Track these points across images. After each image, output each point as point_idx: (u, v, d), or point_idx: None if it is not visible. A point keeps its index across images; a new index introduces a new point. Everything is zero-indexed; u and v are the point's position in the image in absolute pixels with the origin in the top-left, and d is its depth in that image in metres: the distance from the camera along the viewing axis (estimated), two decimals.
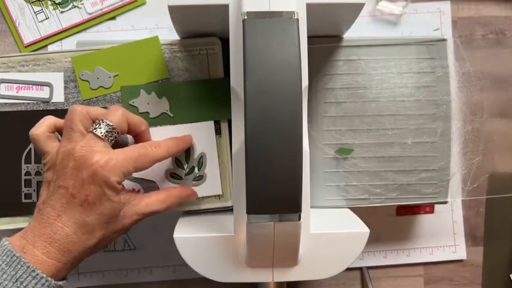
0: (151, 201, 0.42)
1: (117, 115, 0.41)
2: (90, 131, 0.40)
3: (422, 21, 0.55)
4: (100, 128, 0.40)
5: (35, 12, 0.53)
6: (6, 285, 0.36)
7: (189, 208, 0.47)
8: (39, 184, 0.46)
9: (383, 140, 0.48)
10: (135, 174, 0.46)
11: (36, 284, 0.36)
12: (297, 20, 0.36)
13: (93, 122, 0.41)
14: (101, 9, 0.53)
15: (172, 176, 0.47)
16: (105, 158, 0.38)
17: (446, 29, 0.55)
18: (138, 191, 0.46)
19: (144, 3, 0.54)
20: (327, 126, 0.48)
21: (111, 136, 0.40)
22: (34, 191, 0.46)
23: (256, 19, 0.36)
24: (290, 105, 0.35)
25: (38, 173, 0.46)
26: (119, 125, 0.41)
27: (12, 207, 0.46)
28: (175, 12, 0.41)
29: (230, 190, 0.47)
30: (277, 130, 0.34)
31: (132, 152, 0.40)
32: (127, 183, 0.46)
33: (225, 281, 0.41)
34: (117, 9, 0.53)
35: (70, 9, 0.53)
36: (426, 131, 0.48)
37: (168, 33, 0.52)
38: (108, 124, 0.40)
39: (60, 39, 0.53)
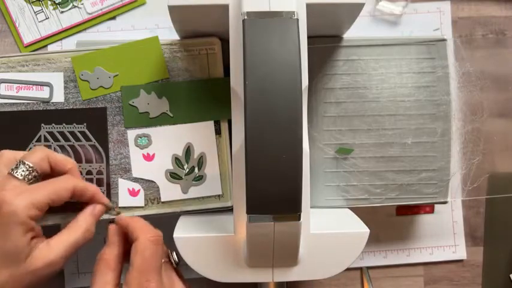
0: (62, 238, 0.40)
1: (36, 155, 0.41)
2: (8, 172, 0.40)
3: (422, 21, 0.55)
4: (18, 169, 0.40)
5: (35, 12, 0.53)
6: None
7: (189, 208, 0.47)
8: None
9: (383, 140, 0.48)
10: (135, 174, 0.46)
11: None
12: (297, 20, 0.36)
13: None
14: (101, 9, 0.53)
15: (172, 176, 0.47)
16: (11, 194, 0.37)
17: (446, 29, 0.55)
18: (138, 191, 0.46)
19: (144, 3, 0.54)
20: (327, 126, 0.48)
21: (29, 175, 0.40)
22: None
23: (256, 19, 0.36)
24: (290, 105, 0.35)
25: None
26: (38, 165, 0.41)
27: None
28: (175, 12, 0.41)
29: (230, 190, 0.47)
30: (277, 130, 0.34)
31: (43, 184, 0.40)
32: (127, 183, 0.46)
33: (225, 281, 0.41)
34: (117, 9, 0.53)
35: (70, 9, 0.53)
36: (426, 131, 0.48)
37: (168, 33, 0.52)
38: (26, 164, 0.40)
39: (60, 39, 0.53)
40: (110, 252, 0.41)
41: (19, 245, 0.37)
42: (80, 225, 0.41)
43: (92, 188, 0.43)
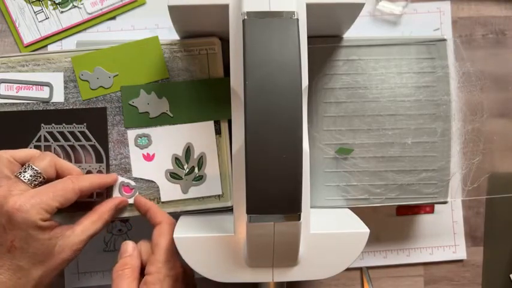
0: (86, 226, 0.42)
1: (44, 161, 0.42)
2: (15, 175, 0.41)
3: (422, 21, 0.55)
4: (25, 173, 0.41)
5: (35, 12, 0.53)
6: None
7: (189, 208, 0.47)
8: None
9: (383, 140, 0.48)
10: (135, 174, 0.46)
11: None
12: (297, 20, 0.36)
13: (22, 165, 0.42)
14: (101, 9, 0.53)
15: (172, 176, 0.47)
16: (21, 200, 0.39)
17: (446, 29, 0.55)
18: (132, 189, 0.46)
19: (144, 3, 0.54)
20: (327, 126, 0.48)
21: (35, 181, 0.41)
22: None
23: (256, 19, 0.36)
24: (290, 105, 0.35)
25: None
26: (45, 170, 0.42)
27: None
28: (175, 12, 0.41)
29: (230, 190, 0.47)
30: (277, 130, 0.34)
31: (50, 188, 0.41)
32: (127, 182, 0.46)
33: (225, 281, 0.41)
34: (117, 9, 0.53)
35: (70, 9, 0.53)
36: (426, 131, 0.48)
37: (168, 33, 0.52)
38: (34, 169, 0.41)
39: (60, 39, 0.53)
40: (135, 262, 0.42)
41: (42, 244, 0.39)
42: (103, 217, 0.44)
43: (96, 181, 0.44)
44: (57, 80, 0.46)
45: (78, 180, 0.42)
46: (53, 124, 0.46)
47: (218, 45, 0.47)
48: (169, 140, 0.47)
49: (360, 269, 0.55)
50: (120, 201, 0.45)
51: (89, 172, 0.46)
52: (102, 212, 0.44)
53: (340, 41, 0.48)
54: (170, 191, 0.47)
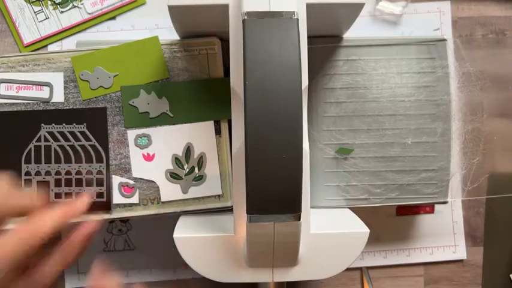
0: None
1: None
2: None
3: (422, 21, 0.55)
4: None
5: (35, 12, 0.53)
6: None
7: (189, 208, 0.47)
8: (39, 184, 0.46)
9: (383, 140, 0.48)
10: (135, 174, 0.46)
11: None
12: (297, 20, 0.36)
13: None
14: (101, 9, 0.53)
15: (172, 176, 0.47)
16: None
17: (446, 29, 0.55)
18: (132, 189, 0.46)
19: (144, 3, 0.54)
20: (326, 126, 0.48)
21: None
22: (34, 191, 0.46)
23: (256, 19, 0.36)
24: (290, 105, 0.35)
25: (38, 173, 0.46)
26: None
27: None
28: (175, 12, 0.41)
29: (230, 190, 0.47)
30: (277, 130, 0.34)
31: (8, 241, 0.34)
32: (122, 180, 0.46)
33: (225, 281, 0.42)
34: (117, 9, 0.53)
35: (70, 9, 0.53)
36: (426, 131, 0.48)
37: (168, 33, 0.52)
38: None
39: (60, 39, 0.53)
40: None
41: None
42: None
43: (59, 220, 0.36)
44: (57, 80, 0.46)
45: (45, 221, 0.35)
46: (53, 124, 0.46)
47: (218, 45, 0.47)
48: (169, 140, 0.47)
49: (360, 269, 0.55)
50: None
51: (89, 172, 0.46)
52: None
53: (340, 41, 0.48)
54: (170, 191, 0.47)
